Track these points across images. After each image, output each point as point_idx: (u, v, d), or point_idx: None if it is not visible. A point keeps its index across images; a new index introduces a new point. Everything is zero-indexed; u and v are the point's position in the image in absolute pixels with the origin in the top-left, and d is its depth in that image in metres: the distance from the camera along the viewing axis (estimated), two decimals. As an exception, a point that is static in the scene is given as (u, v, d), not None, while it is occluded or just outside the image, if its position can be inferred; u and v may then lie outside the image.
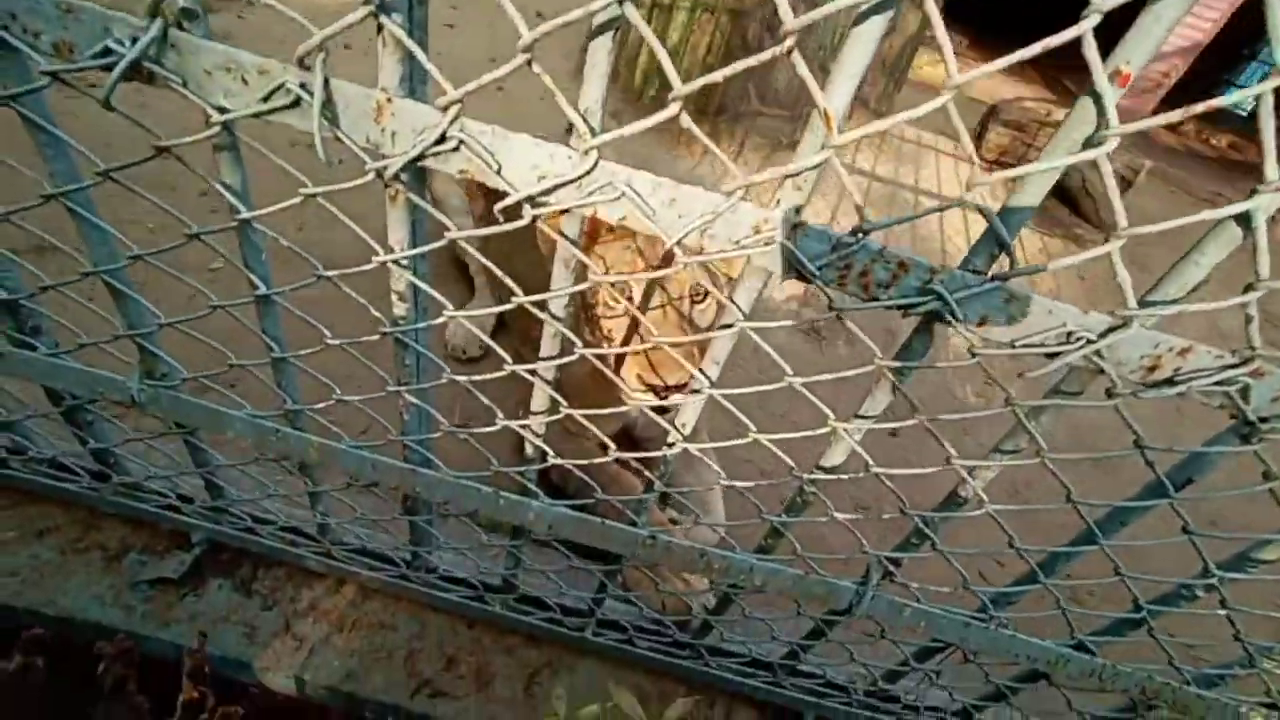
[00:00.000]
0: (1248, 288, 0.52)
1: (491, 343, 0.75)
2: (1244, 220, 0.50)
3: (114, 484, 1.14)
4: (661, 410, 1.22)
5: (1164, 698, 0.96)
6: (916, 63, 5.58)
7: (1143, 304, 0.57)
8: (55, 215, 0.72)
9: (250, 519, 1.19)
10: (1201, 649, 0.96)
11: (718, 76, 0.47)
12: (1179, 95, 6.57)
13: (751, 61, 0.45)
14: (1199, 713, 0.96)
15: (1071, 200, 4.64)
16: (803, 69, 0.45)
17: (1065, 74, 8.93)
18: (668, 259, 1.23)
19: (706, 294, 1.22)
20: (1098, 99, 0.45)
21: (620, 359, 1.25)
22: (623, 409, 0.84)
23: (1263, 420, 0.61)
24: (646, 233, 0.58)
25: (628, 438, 1.78)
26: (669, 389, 1.13)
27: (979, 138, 4.91)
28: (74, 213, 0.70)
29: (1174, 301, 0.56)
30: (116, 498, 1.17)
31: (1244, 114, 10.27)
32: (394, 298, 0.71)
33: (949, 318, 0.59)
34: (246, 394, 0.97)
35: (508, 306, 0.67)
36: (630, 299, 1.23)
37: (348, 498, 1.10)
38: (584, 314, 1.28)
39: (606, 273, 1.25)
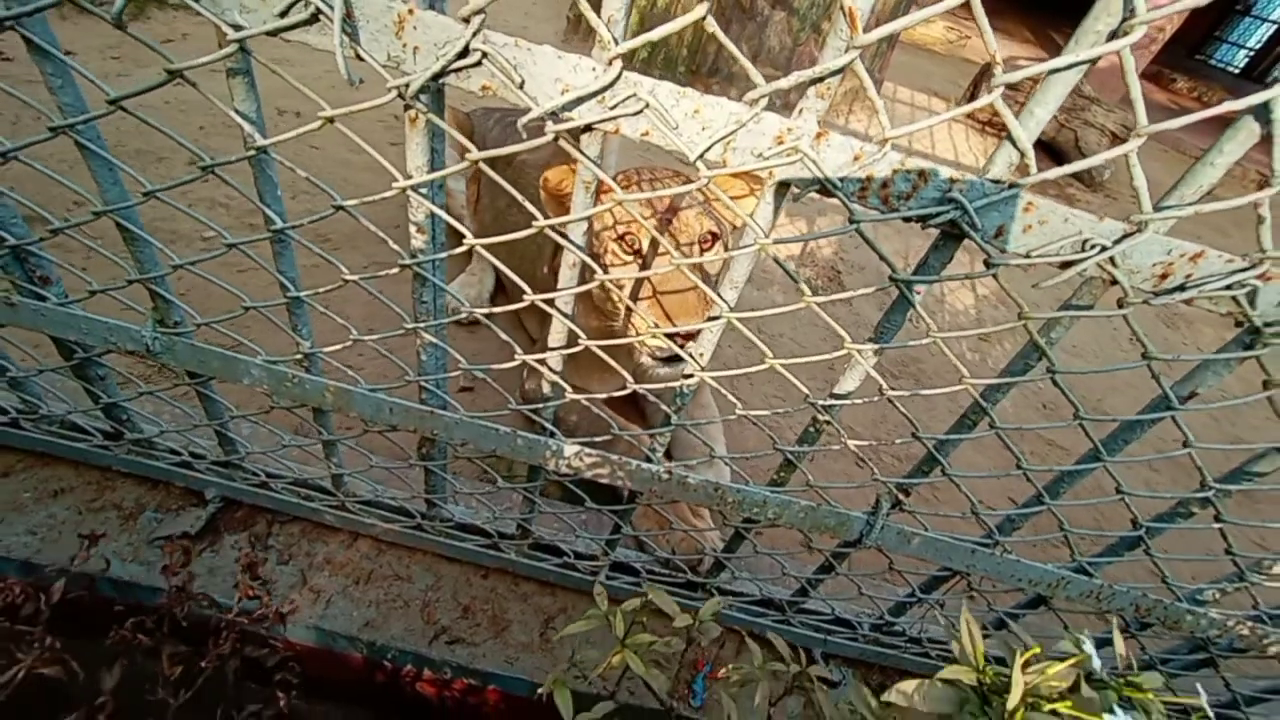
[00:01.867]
0: (1262, 184, 0.53)
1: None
2: (1263, 114, 0.51)
3: (127, 441, 1.14)
4: (673, 361, 1.23)
5: (1156, 615, 1.01)
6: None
7: (1158, 208, 0.58)
8: (74, 170, 0.71)
9: (264, 474, 1.20)
10: (1192, 567, 1.00)
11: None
12: (1172, 49, 6.55)
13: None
14: (1190, 627, 1.01)
15: (1064, 159, 4.64)
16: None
17: (1059, 32, 8.85)
18: (674, 210, 1.23)
19: (715, 239, 1.22)
20: (1123, -12, 0.46)
21: (628, 315, 1.25)
22: (624, 366, 0.85)
23: (1268, 325, 0.63)
24: (669, 148, 0.58)
25: (629, 399, 1.80)
26: (681, 336, 1.14)
27: (972, 97, 4.87)
28: (83, 148, 0.69)
29: (1189, 205, 0.57)
30: (130, 456, 1.18)
31: (1236, 71, 10.26)
32: (412, 229, 0.71)
33: (967, 228, 0.60)
34: (258, 343, 0.97)
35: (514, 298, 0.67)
36: (639, 251, 1.23)
37: (362, 446, 1.10)
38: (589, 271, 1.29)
39: (614, 227, 1.25)
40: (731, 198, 1.33)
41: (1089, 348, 2.99)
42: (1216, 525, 0.86)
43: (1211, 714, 0.53)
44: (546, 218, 0.66)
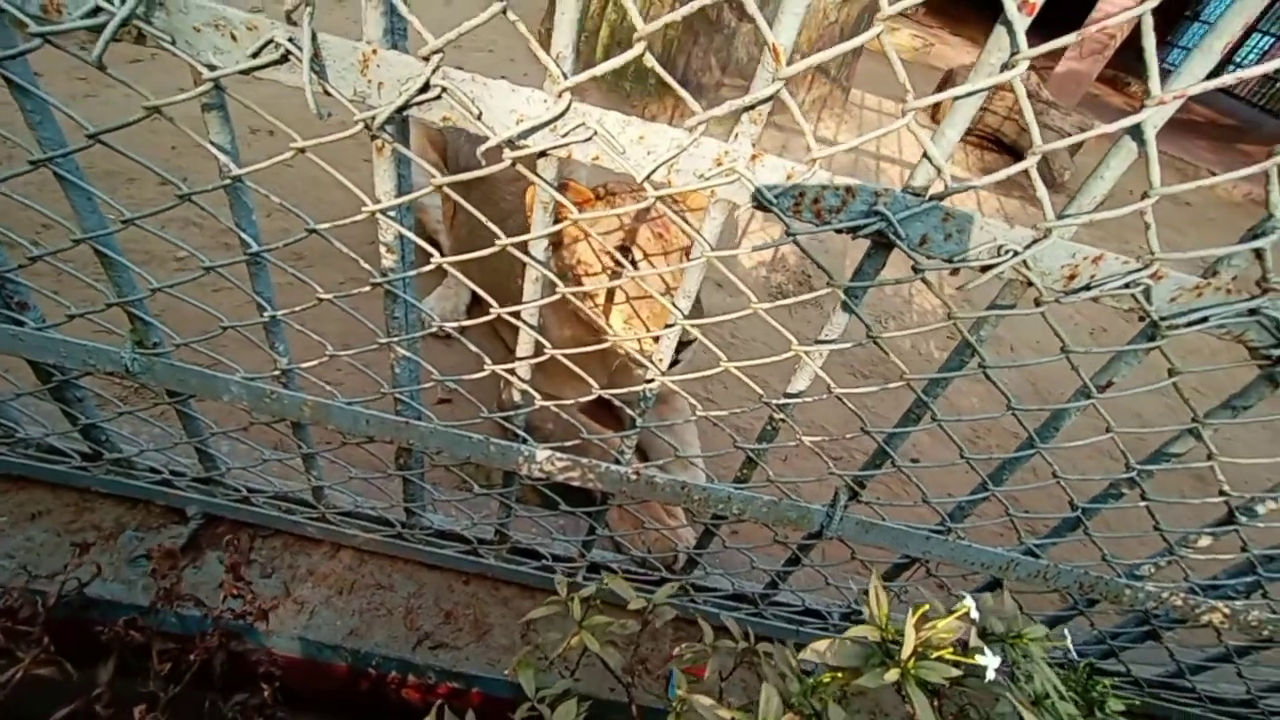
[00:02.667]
0: (1143, 196, 0.60)
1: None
2: (1137, 134, 0.57)
3: (105, 462, 1.16)
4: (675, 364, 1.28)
5: (1099, 591, 1.07)
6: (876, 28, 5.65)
7: (1060, 216, 0.64)
8: (41, 192, 0.74)
9: (245, 489, 1.22)
10: (1128, 542, 1.07)
11: (678, 15, 0.52)
12: (1127, 54, 6.82)
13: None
14: (1130, 601, 1.07)
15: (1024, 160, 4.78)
16: (751, 6, 0.50)
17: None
18: (663, 223, 1.28)
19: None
20: (1009, 26, 0.52)
21: (606, 321, 1.30)
22: (597, 374, 0.90)
23: (1164, 319, 0.70)
24: (619, 170, 0.63)
25: (605, 406, 1.84)
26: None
27: (937, 104, 5.00)
28: (62, 179, 0.72)
29: (1085, 213, 0.63)
30: (109, 476, 1.19)
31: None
32: (382, 250, 0.75)
33: (893, 237, 0.66)
34: (236, 361, 1.00)
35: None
36: (635, 262, 1.27)
37: (341, 459, 1.14)
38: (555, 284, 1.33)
39: (588, 242, 1.30)
40: (695, 209, 1.40)
41: (1050, 345, 3.10)
42: (1143, 504, 0.93)
43: (1074, 651, 0.59)
44: (527, 230, 0.71)
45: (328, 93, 0.61)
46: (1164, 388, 0.77)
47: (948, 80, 5.18)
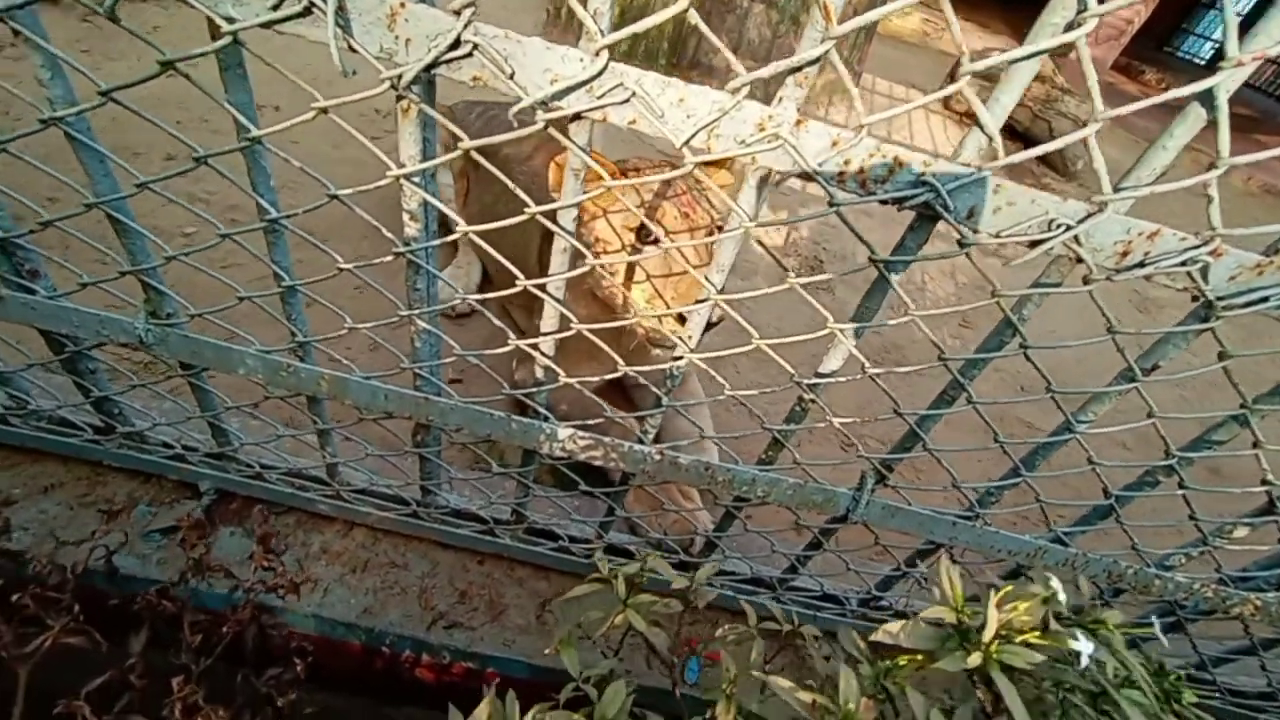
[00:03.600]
0: (1209, 166, 0.57)
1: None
2: (1207, 100, 0.54)
3: (118, 436, 1.15)
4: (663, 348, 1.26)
5: (1128, 580, 1.05)
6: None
7: (1117, 189, 0.61)
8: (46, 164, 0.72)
9: (258, 465, 1.21)
10: (1143, 532, 1.04)
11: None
12: (1141, 42, 6.68)
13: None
14: (1159, 592, 1.06)
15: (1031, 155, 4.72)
16: (809, -46, 0.47)
17: (1032, 24, 8.97)
18: (685, 199, 1.25)
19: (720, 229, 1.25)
20: (1079, -20, 0.49)
21: (625, 305, 1.28)
22: (618, 353, 0.87)
23: (1220, 299, 0.67)
24: (657, 134, 0.60)
25: (618, 388, 1.82)
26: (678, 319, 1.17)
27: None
28: (73, 140, 0.70)
29: (1145, 186, 0.60)
30: (121, 450, 1.18)
31: (1202, 63, 10.47)
32: (405, 218, 0.73)
33: (940, 209, 0.63)
34: (249, 335, 0.98)
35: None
36: (657, 240, 1.24)
37: (357, 435, 1.12)
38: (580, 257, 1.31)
39: (606, 219, 1.27)
40: (721, 186, 1.37)
41: (1067, 332, 3.07)
42: (1180, 492, 0.90)
43: (1164, 638, 0.58)
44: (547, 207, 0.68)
45: (353, 49, 0.58)
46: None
47: (959, 67, 5.08)
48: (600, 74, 0.57)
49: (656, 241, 1.23)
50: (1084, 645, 0.48)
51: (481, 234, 0.72)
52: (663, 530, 1.32)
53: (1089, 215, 0.62)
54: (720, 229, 1.24)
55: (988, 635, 0.47)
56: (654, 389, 0.90)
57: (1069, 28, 0.52)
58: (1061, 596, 0.52)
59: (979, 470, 2.01)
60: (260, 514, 0.70)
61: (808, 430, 0.92)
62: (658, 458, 0.96)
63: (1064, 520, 1.05)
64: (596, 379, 0.93)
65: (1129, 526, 0.99)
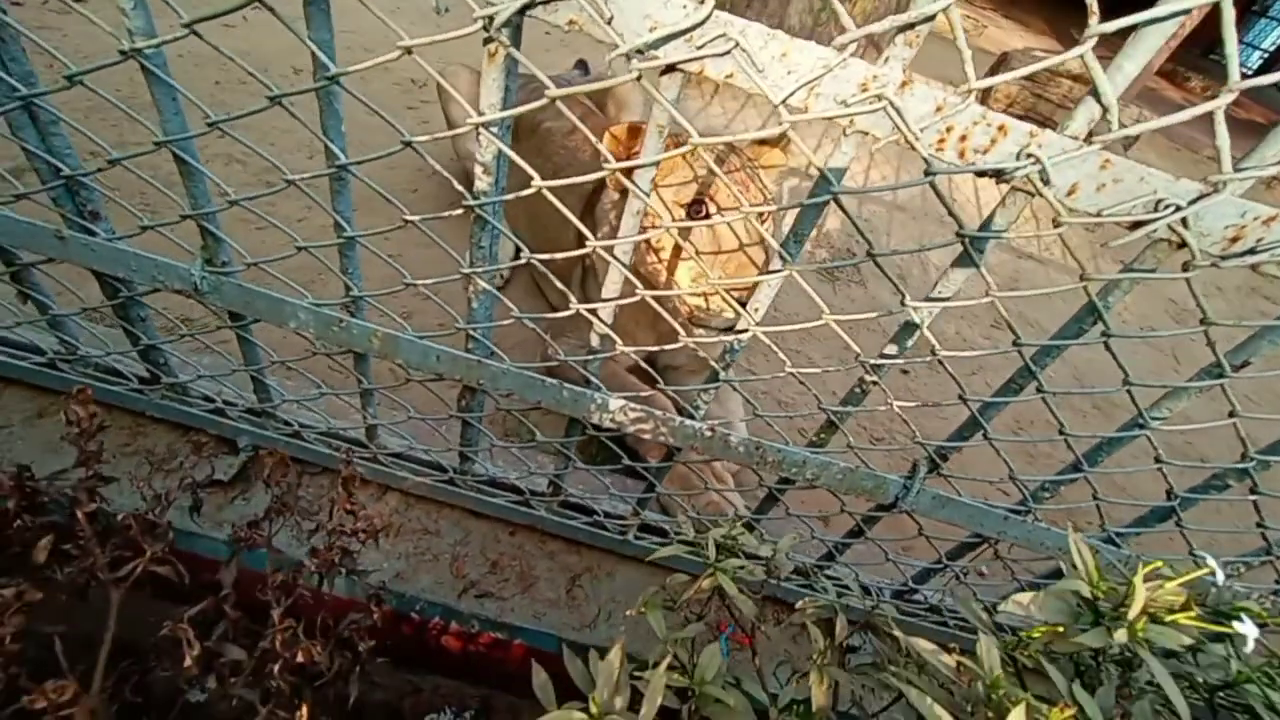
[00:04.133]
0: (1345, 146, 0.54)
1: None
2: (1354, 72, 0.51)
3: (162, 386, 1.15)
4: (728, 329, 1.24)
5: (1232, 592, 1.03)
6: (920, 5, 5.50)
7: (1237, 168, 0.58)
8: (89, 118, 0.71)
9: (296, 424, 1.20)
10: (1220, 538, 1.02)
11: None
12: (1188, 49, 6.52)
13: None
14: (1214, 601, 1.03)
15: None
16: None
17: (1074, 24, 8.78)
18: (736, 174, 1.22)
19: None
20: (1237, -67, 0.45)
21: (669, 279, 1.26)
22: (646, 333, 0.85)
23: (1330, 292, 0.64)
24: (753, 90, 0.58)
25: (649, 365, 1.81)
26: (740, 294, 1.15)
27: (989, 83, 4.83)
28: (149, 74, 0.68)
29: (1270, 165, 0.57)
30: (164, 401, 1.18)
31: (1250, 73, 10.19)
32: (478, 170, 0.71)
33: (1040, 184, 0.60)
34: (306, 290, 0.97)
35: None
36: (708, 215, 1.22)
37: (399, 397, 1.11)
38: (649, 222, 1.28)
39: (657, 193, 1.24)
40: (766, 166, 1.34)
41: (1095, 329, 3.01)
42: (1252, 498, 0.87)
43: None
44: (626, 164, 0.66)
45: (446, -15, 0.56)
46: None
47: (1002, 62, 4.97)
48: (704, 22, 0.55)
49: (708, 215, 1.20)
50: (1250, 629, 0.46)
51: (523, 207, 0.70)
52: (696, 511, 1.31)
53: (1202, 195, 0.59)
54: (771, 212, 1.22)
55: (1133, 611, 0.45)
56: (712, 363, 0.88)
57: (1212, -12, 0.49)
58: (1219, 577, 0.50)
59: (1019, 466, 1.98)
60: (345, 457, 0.69)
61: (851, 418, 0.89)
62: (709, 434, 0.94)
63: (1114, 520, 1.02)
64: (648, 349, 0.91)
65: (1187, 530, 0.97)
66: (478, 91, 0.65)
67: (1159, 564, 0.52)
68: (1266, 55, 10.54)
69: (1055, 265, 3.42)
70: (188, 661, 0.51)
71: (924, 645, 0.49)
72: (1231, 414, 0.78)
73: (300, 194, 0.77)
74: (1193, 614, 0.47)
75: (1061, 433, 0.86)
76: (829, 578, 1.27)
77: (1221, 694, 0.55)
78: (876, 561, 1.20)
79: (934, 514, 1.00)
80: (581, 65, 2.57)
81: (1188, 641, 0.46)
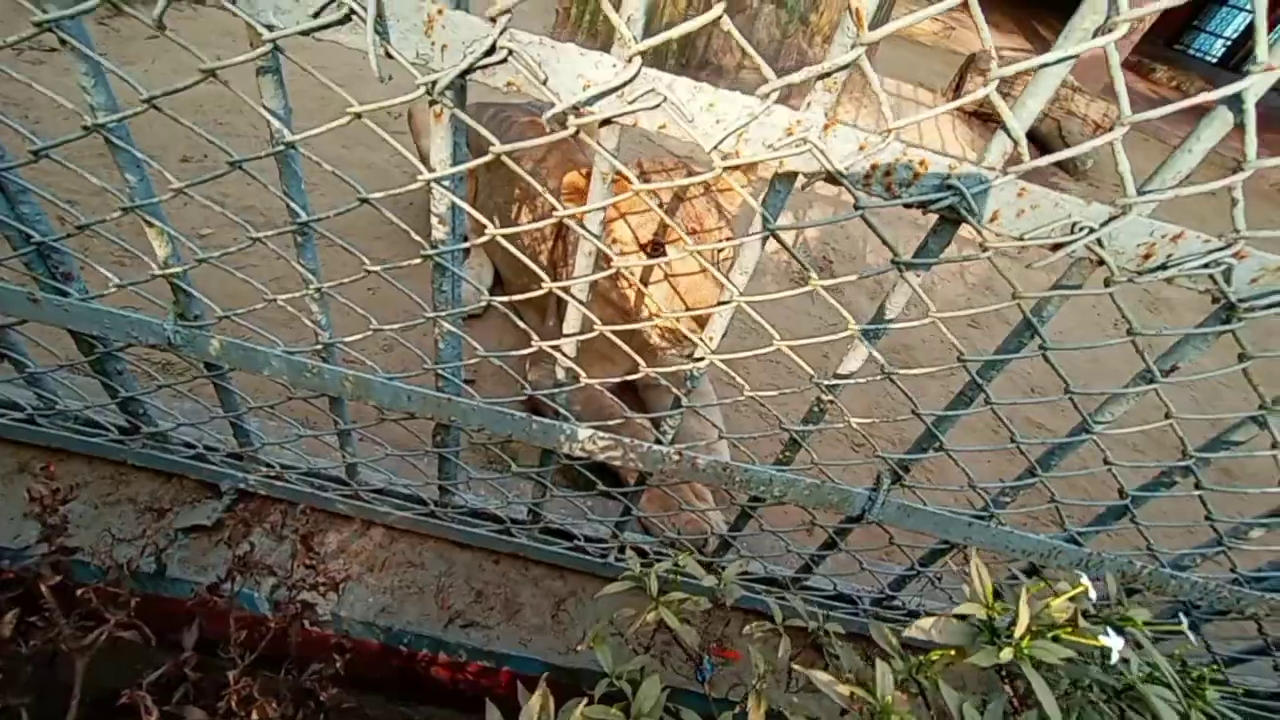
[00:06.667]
0: (1235, 169, 0.58)
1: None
2: (1235, 104, 0.55)
3: (142, 436, 1.16)
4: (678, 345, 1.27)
5: (1142, 580, 1.06)
6: (895, 15, 5.59)
7: (1141, 192, 0.62)
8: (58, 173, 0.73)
9: (278, 465, 1.22)
10: (1172, 534, 1.05)
11: None
12: (1151, 39, 6.69)
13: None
14: (1173, 592, 1.06)
15: (1048, 148, 4.72)
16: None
17: (1042, 24, 8.97)
18: (685, 202, 1.26)
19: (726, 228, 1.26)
20: (1109, -13, 0.49)
21: (640, 302, 1.29)
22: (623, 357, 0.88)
23: (1241, 301, 0.67)
24: (685, 138, 0.61)
25: (628, 390, 1.84)
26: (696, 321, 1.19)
27: (957, 88, 4.93)
28: (113, 145, 0.71)
29: (1169, 189, 0.61)
30: (145, 450, 1.19)
31: (1214, 60, 10.43)
32: (434, 220, 0.74)
33: (965, 213, 0.64)
34: (275, 336, 0.99)
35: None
36: (663, 248, 1.25)
37: (376, 436, 1.13)
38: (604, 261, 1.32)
39: (625, 221, 1.28)
40: (729, 189, 1.38)
41: (1075, 333, 3.07)
42: (1196, 493, 0.91)
43: (1192, 636, 0.59)
44: (550, 213, 0.69)
45: (389, 55, 0.59)
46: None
47: (970, 64, 5.08)
48: (633, 79, 0.58)
49: (664, 252, 1.24)
50: (1114, 641, 0.49)
51: (496, 236, 0.73)
52: (676, 530, 1.33)
53: (1112, 218, 0.63)
54: (731, 236, 1.27)
55: (1019, 631, 0.48)
56: (674, 389, 0.91)
57: (1098, 32, 0.53)
58: (1092, 594, 0.53)
59: (986, 471, 2.01)
60: (303, 514, 0.71)
61: (818, 432, 0.92)
62: (676, 458, 0.97)
63: (1076, 520, 1.06)
64: (614, 379, 0.94)
65: (1144, 527, 1.00)
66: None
67: (1040, 585, 0.55)
68: (1229, 43, 10.80)
69: (1017, 273, 3.49)
70: None
71: (821, 677, 0.51)
72: (1167, 415, 0.82)
73: (267, 240, 0.80)
74: (1067, 630, 0.50)
75: (1013, 440, 0.90)
76: (806, 589, 1.29)
77: (1124, 695, 0.58)
78: (853, 571, 1.23)
79: (901, 523, 1.03)
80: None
81: (1067, 654, 0.48)
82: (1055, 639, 0.49)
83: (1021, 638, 0.48)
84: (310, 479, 1.25)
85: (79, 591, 0.62)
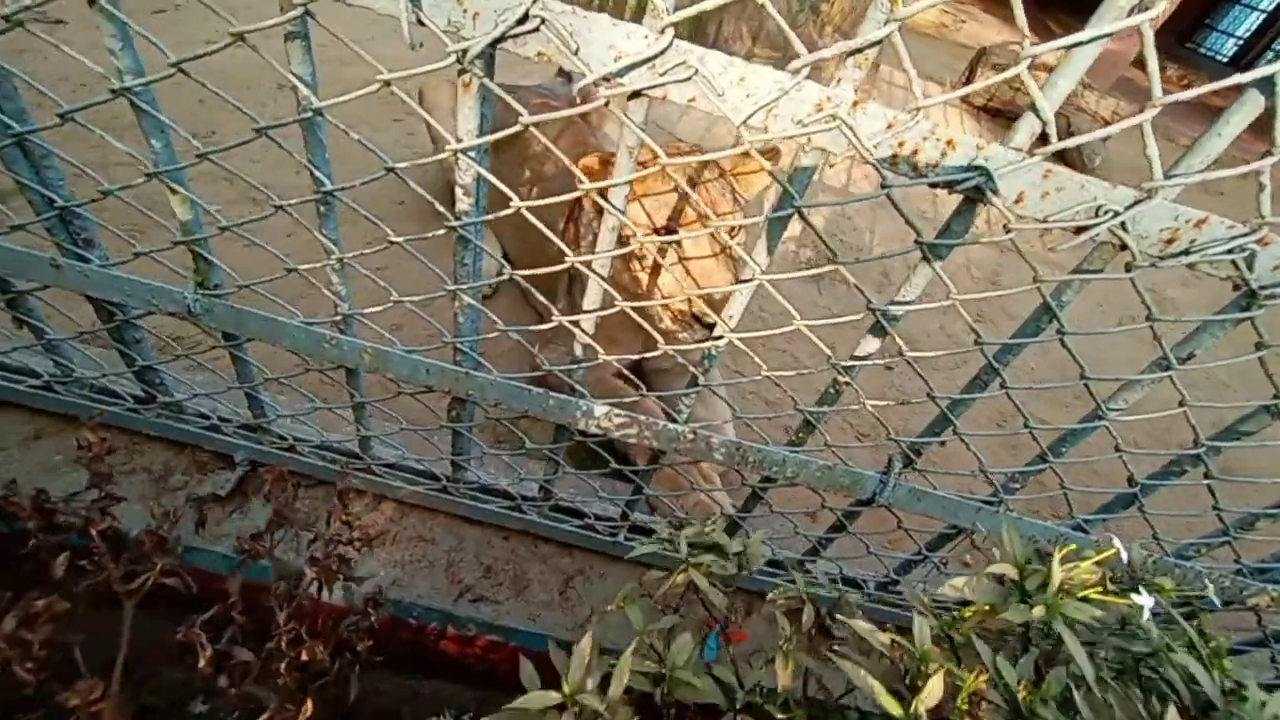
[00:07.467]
0: (1264, 154, 0.58)
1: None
2: (1267, 87, 0.55)
3: (157, 405, 1.17)
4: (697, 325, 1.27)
5: (1147, 569, 1.07)
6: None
7: (1167, 176, 0.62)
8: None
9: (291, 438, 1.23)
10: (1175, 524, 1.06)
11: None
12: (1163, 37, 6.63)
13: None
14: (1177, 581, 1.07)
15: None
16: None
17: (1051, 18, 8.88)
18: (699, 186, 1.27)
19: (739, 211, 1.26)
20: (1148, -35, 0.49)
21: (651, 284, 1.29)
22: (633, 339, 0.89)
23: (1263, 288, 0.68)
24: (716, 112, 0.61)
25: (634, 372, 1.85)
26: (699, 321, 1.20)
27: (967, 81, 4.90)
28: (139, 110, 0.71)
29: (1196, 173, 0.61)
30: (159, 419, 1.20)
31: (1225, 60, 10.34)
32: (459, 192, 0.74)
33: (989, 193, 0.64)
34: (294, 308, 0.99)
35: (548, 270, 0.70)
36: (669, 229, 1.26)
37: (391, 410, 1.14)
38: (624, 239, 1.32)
39: (642, 208, 1.28)
40: (745, 173, 1.37)
41: (1083, 322, 3.08)
42: (1205, 482, 0.92)
43: (1217, 600, 0.60)
44: (561, 195, 0.70)
45: (421, 22, 0.59)
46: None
47: (980, 57, 5.04)
48: (664, 51, 0.58)
49: (673, 232, 1.24)
50: (1146, 600, 0.51)
51: (509, 217, 0.73)
52: (684, 511, 1.34)
53: (1137, 201, 0.63)
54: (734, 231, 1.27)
55: (1052, 590, 0.49)
56: (691, 368, 0.92)
57: (1132, 11, 0.53)
58: (1123, 555, 0.54)
59: (992, 459, 2.03)
60: (341, 470, 0.73)
61: (827, 420, 0.93)
62: (691, 437, 0.97)
63: (1082, 508, 1.07)
64: (632, 356, 0.95)
65: (1150, 516, 1.01)
66: (456, 103, 0.68)
67: (1072, 546, 0.56)
68: (1240, 42, 10.70)
69: (1036, 259, 3.48)
70: (201, 663, 0.55)
71: (862, 626, 0.53)
72: (1181, 403, 0.82)
73: (289, 208, 0.80)
74: (1101, 590, 0.51)
75: (1026, 426, 0.90)
76: (811, 573, 1.31)
77: (1144, 663, 0.59)
78: (859, 555, 1.24)
79: (911, 507, 1.04)
80: (564, 74, 2.61)
81: (1097, 613, 0.50)
82: (1085, 599, 0.51)
83: (1053, 596, 0.49)
84: (323, 451, 1.26)
85: (131, 534, 0.63)
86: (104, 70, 0.67)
